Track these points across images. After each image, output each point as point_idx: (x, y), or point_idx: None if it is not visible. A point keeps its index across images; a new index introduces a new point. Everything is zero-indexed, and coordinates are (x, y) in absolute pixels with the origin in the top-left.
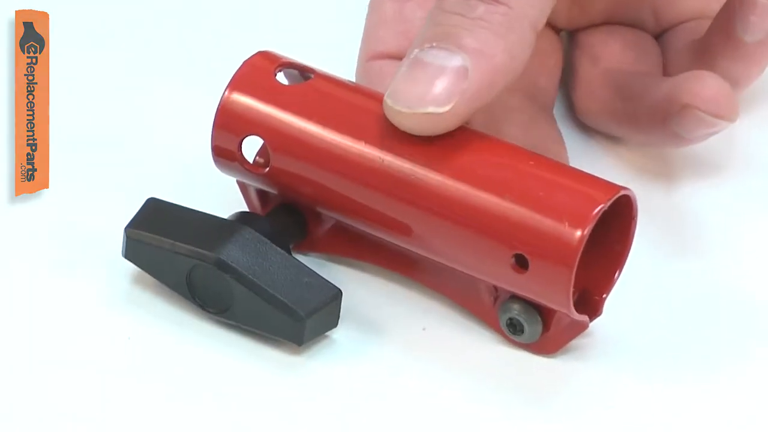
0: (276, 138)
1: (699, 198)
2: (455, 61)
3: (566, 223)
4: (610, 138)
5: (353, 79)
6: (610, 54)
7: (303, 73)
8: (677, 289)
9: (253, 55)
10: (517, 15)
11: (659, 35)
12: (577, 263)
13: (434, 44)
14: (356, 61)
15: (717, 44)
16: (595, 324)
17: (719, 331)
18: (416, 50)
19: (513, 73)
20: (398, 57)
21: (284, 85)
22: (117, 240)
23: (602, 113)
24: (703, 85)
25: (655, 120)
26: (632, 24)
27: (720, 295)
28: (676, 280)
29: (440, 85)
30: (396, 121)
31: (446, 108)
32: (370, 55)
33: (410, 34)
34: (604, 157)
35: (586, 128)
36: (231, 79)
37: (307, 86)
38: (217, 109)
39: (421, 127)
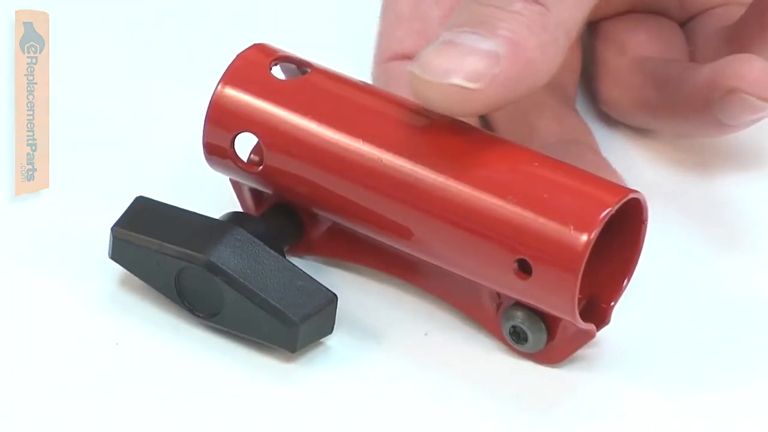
0: (270, 135)
1: (738, 190)
2: (487, 45)
3: (571, 227)
4: (636, 130)
5: (369, 81)
6: (637, 43)
7: (300, 67)
8: (690, 294)
9: (248, 48)
10: (554, 18)
11: (684, 23)
12: (582, 269)
13: (466, 29)
14: (372, 61)
15: (751, 34)
16: (603, 333)
17: (734, 339)
18: (446, 33)
19: (543, 75)
20: None
21: (280, 79)
22: None
23: (633, 104)
24: (750, 68)
25: (694, 108)
26: (657, 12)
27: (736, 299)
28: (689, 284)
29: (471, 63)
30: (422, 92)
31: (476, 85)
32: (388, 56)
33: (428, 33)
34: (632, 150)
35: (610, 121)
36: (224, 73)
37: (303, 81)
38: (209, 104)
39: (448, 101)
